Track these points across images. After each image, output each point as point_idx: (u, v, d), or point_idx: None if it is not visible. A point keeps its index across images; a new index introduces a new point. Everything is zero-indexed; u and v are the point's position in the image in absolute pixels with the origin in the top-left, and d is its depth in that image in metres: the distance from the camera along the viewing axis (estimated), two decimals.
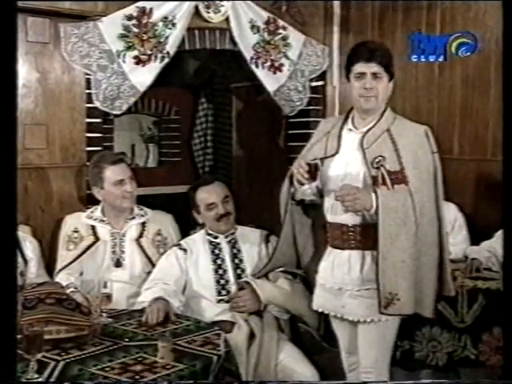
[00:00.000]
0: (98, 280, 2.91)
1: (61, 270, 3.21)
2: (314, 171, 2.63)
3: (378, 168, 2.61)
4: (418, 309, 2.66)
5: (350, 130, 2.75)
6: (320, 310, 2.84)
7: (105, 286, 2.90)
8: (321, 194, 2.78)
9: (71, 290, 2.95)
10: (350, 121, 2.78)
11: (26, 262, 3.13)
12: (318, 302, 2.83)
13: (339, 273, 2.70)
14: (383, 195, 2.57)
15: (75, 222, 3.33)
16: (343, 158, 2.72)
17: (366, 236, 2.63)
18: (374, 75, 2.64)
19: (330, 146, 2.76)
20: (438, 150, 2.71)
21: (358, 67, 2.66)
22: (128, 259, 3.25)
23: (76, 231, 3.29)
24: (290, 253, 2.99)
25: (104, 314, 2.76)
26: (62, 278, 3.11)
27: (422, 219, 2.60)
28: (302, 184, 2.68)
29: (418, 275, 2.62)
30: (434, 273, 2.66)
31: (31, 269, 3.18)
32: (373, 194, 2.57)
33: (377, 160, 2.62)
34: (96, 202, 3.41)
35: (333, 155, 2.73)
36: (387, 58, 2.70)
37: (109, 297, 2.86)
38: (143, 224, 3.35)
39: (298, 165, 2.66)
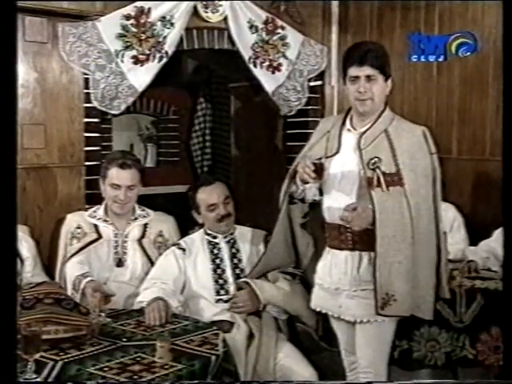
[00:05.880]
0: (98, 279, 2.93)
1: (69, 258, 3.20)
2: (320, 170, 2.65)
3: (373, 169, 2.61)
4: (417, 311, 2.66)
5: (349, 130, 2.76)
6: (318, 310, 2.85)
7: (104, 284, 2.92)
8: (321, 192, 2.78)
9: (90, 278, 2.98)
10: (348, 121, 2.78)
11: (21, 261, 3.13)
12: (316, 302, 2.84)
13: (336, 273, 2.71)
14: (378, 197, 2.57)
15: (78, 219, 3.33)
16: (341, 159, 2.73)
17: (363, 237, 2.63)
18: (368, 78, 2.64)
19: (331, 145, 2.76)
20: (436, 151, 2.71)
21: (352, 71, 2.66)
22: (130, 260, 3.25)
23: (79, 227, 3.29)
24: (285, 253, 3.00)
25: (103, 314, 2.76)
26: (72, 266, 3.12)
27: (419, 221, 2.59)
28: (306, 183, 2.69)
29: (416, 277, 2.62)
30: (432, 275, 2.66)
31: (27, 268, 3.19)
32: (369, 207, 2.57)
33: (373, 161, 2.62)
34: (94, 201, 3.41)
35: (333, 155, 2.74)
36: (381, 59, 2.68)
37: (106, 298, 2.86)
38: (145, 225, 3.34)
39: (303, 164, 2.66)
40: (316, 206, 2.83)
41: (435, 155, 2.70)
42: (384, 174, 2.59)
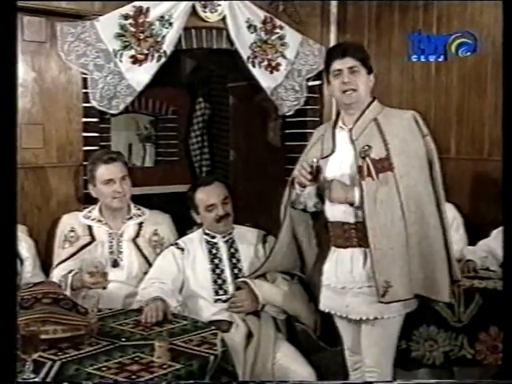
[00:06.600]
0: None
1: (57, 265, 3.21)
2: (315, 172, 2.66)
3: (363, 158, 2.62)
4: (433, 294, 2.65)
5: (341, 127, 2.80)
6: (327, 311, 2.85)
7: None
8: (321, 197, 2.79)
9: (75, 271, 3.01)
10: (340, 120, 2.82)
11: (21, 261, 3.13)
12: (325, 303, 2.84)
13: (342, 271, 2.71)
14: (369, 187, 2.58)
15: (72, 221, 3.33)
16: (338, 157, 2.75)
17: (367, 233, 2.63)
18: (351, 69, 2.70)
19: (326, 147, 2.80)
20: (429, 133, 2.71)
21: (335, 65, 2.72)
22: (126, 259, 3.24)
23: (72, 230, 3.29)
24: (290, 260, 3.03)
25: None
26: (58, 273, 3.12)
27: (410, 203, 2.58)
28: (304, 186, 2.71)
29: (424, 260, 2.60)
30: (443, 255, 2.64)
31: (27, 268, 3.18)
32: (355, 188, 2.60)
33: (364, 150, 2.63)
34: (93, 201, 3.41)
35: (329, 155, 2.75)
36: (361, 52, 2.78)
37: (105, 273, 2.90)
38: (140, 224, 3.34)
39: (299, 167, 2.71)
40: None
41: (429, 137, 2.70)
42: (373, 160, 2.60)
